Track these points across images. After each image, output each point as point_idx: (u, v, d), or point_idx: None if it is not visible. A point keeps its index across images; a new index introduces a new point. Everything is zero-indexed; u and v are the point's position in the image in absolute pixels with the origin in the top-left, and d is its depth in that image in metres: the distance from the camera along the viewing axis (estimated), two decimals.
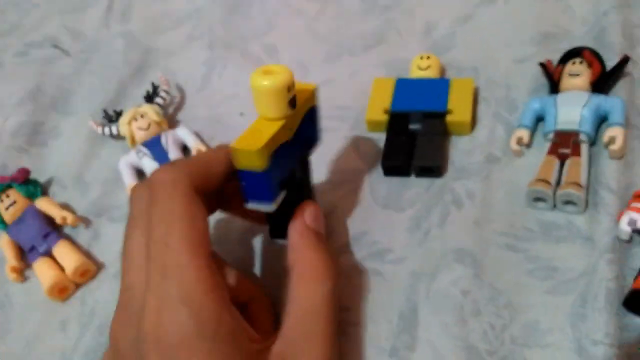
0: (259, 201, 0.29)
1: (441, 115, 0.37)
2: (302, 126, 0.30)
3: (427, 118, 0.37)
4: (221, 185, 0.29)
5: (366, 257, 0.34)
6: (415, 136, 0.37)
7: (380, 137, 0.38)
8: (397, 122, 0.38)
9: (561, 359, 0.28)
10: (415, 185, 0.36)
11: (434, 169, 0.36)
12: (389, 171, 0.37)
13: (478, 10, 0.44)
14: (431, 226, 0.34)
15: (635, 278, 0.28)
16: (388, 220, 0.35)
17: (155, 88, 0.44)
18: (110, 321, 0.27)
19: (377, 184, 0.37)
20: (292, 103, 0.29)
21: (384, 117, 0.38)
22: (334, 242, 0.35)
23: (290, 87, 0.28)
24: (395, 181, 0.36)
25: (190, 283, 0.24)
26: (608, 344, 0.27)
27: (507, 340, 0.29)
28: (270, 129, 0.28)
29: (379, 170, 0.37)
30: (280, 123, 0.28)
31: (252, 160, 0.27)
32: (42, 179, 0.43)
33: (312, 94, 0.31)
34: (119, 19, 0.54)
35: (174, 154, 0.41)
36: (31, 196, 0.41)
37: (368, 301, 0.32)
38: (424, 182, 0.36)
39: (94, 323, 0.36)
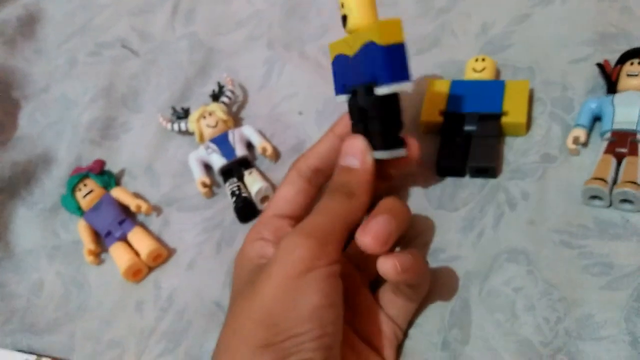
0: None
1: (496, 116, 0.38)
2: (363, 54, 0.31)
3: (482, 119, 0.38)
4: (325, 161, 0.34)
5: None
6: (470, 137, 0.38)
7: (435, 139, 0.39)
8: (452, 123, 0.38)
9: (615, 351, 0.29)
10: (469, 186, 0.37)
11: (489, 169, 0.36)
12: (444, 172, 0.38)
13: (535, 10, 0.44)
14: (485, 227, 0.35)
15: None
16: (441, 221, 0.36)
17: (221, 87, 0.47)
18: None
19: (431, 185, 0.38)
20: (343, 21, 0.33)
21: (439, 119, 0.39)
22: None
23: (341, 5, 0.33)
24: (449, 182, 0.37)
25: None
26: None
27: (561, 332, 0.30)
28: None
29: (433, 171, 0.38)
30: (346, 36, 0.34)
31: None
32: (114, 170, 0.47)
33: (378, 29, 0.30)
34: (183, 21, 0.57)
35: (240, 150, 0.43)
36: (106, 186, 0.45)
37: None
38: (477, 182, 0.37)
39: (173, 308, 0.38)
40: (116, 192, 0.44)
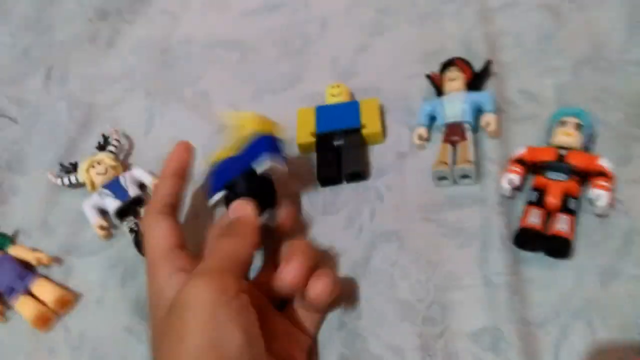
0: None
1: (357, 130, 0.44)
2: (249, 145, 0.39)
3: (346, 134, 0.44)
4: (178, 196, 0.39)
5: None
6: (340, 150, 0.44)
7: (312, 157, 0.45)
8: (323, 141, 0.45)
9: (475, 293, 0.35)
10: (345, 190, 0.43)
11: (360, 173, 0.43)
12: (325, 182, 0.44)
13: (372, 40, 0.52)
14: (363, 222, 0.41)
15: (520, 221, 0.36)
16: (327, 223, 0.42)
17: (106, 138, 0.49)
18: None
19: (314, 196, 0.43)
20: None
21: (312, 139, 0.45)
22: None
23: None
24: (329, 190, 0.43)
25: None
26: (507, 273, 0.35)
27: (431, 288, 0.36)
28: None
29: (314, 184, 0.44)
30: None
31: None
32: (8, 232, 0.47)
33: (258, 123, 0.40)
34: (57, 83, 0.59)
35: (133, 191, 0.46)
36: (2, 247, 0.45)
37: None
38: (352, 186, 0.43)
39: (86, 345, 0.40)
40: (14, 250, 0.44)
